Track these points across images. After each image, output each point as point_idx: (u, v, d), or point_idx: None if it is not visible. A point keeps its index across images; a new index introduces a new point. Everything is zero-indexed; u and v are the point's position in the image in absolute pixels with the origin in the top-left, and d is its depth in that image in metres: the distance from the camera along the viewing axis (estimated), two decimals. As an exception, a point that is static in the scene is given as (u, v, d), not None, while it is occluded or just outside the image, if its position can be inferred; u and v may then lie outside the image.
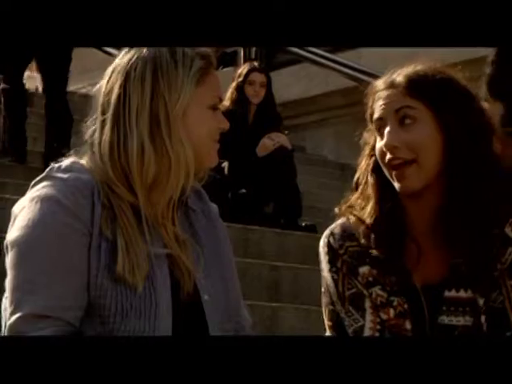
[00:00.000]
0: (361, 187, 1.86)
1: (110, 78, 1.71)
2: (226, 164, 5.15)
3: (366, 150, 1.85)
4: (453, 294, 1.79)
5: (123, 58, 1.71)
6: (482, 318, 1.78)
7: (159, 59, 1.69)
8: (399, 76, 1.78)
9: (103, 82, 1.72)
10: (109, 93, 1.70)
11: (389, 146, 1.75)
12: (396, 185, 1.76)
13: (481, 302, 1.78)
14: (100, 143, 1.69)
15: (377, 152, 1.79)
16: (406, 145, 1.74)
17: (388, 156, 1.75)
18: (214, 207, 1.89)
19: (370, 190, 1.83)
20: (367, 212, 1.84)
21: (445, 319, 1.78)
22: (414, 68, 1.80)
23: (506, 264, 1.77)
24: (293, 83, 8.10)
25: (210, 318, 1.72)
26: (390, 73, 1.81)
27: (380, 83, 1.81)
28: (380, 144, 1.78)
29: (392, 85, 1.78)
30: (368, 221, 1.83)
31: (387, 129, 1.76)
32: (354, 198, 1.87)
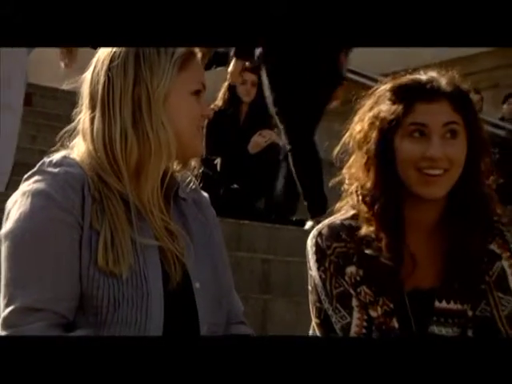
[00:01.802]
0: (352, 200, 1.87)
1: (95, 67, 1.71)
2: (218, 160, 5.19)
3: (364, 148, 1.83)
4: (444, 305, 1.82)
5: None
6: (469, 329, 1.82)
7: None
8: (443, 85, 1.79)
9: (89, 72, 1.72)
10: (95, 82, 1.70)
11: (435, 157, 1.75)
12: (422, 190, 1.77)
13: (470, 313, 1.82)
14: (90, 132, 1.69)
15: (408, 155, 1.77)
16: (447, 157, 1.76)
17: (426, 164, 1.76)
18: (205, 196, 1.88)
19: (376, 188, 1.82)
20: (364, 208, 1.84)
21: (435, 329, 1.81)
22: (453, 78, 1.81)
23: (493, 277, 1.82)
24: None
25: (201, 305, 1.71)
26: (397, 76, 1.84)
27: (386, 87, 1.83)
28: (419, 149, 1.77)
29: (438, 93, 1.78)
30: (362, 215, 1.83)
31: (434, 140, 1.76)
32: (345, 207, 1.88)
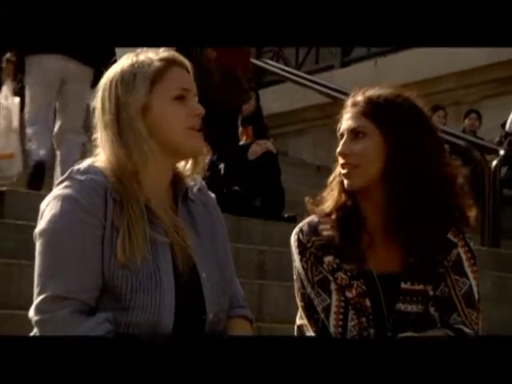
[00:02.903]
0: (330, 186, 1.88)
1: (98, 92, 1.71)
2: (222, 165, 5.17)
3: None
4: (408, 286, 1.83)
5: (105, 75, 1.71)
6: (431, 307, 1.82)
7: (121, 71, 1.68)
8: (359, 97, 1.83)
9: (97, 98, 1.72)
10: (97, 105, 1.70)
11: (341, 153, 1.81)
12: (345, 183, 1.82)
13: (431, 292, 1.83)
14: (103, 146, 1.69)
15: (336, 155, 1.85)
16: (353, 153, 1.80)
17: (341, 161, 1.81)
18: (212, 197, 1.85)
19: (337, 189, 1.86)
20: (331, 206, 1.86)
21: (401, 306, 1.82)
22: (373, 91, 1.84)
23: (450, 262, 1.83)
24: (277, 99, 8.10)
25: (207, 293, 1.69)
26: (354, 93, 1.86)
27: (349, 102, 1.86)
28: (337, 151, 1.83)
29: (354, 104, 1.84)
30: (333, 213, 1.84)
31: (343, 140, 1.82)
32: (325, 194, 1.89)
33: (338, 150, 1.81)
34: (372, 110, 1.80)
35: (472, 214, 1.87)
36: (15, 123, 4.23)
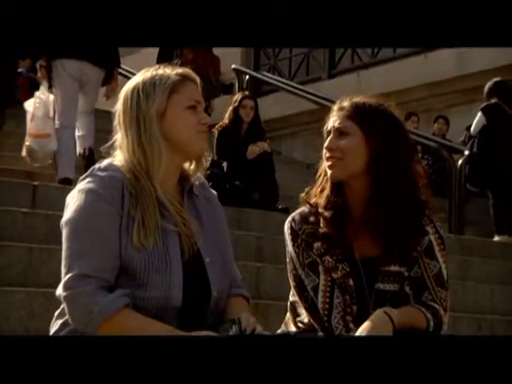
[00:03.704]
0: (319, 181, 1.88)
1: (119, 100, 1.72)
2: (225, 164, 5.15)
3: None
4: (386, 268, 1.82)
5: (126, 85, 1.72)
6: (406, 286, 1.82)
7: (143, 82, 1.69)
8: (346, 103, 1.84)
9: (118, 103, 1.72)
10: (119, 111, 1.71)
11: (328, 148, 1.81)
12: (328, 173, 1.82)
13: (406, 274, 1.82)
14: (122, 147, 1.70)
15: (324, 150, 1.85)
16: (338, 148, 1.80)
17: (327, 154, 1.81)
18: (214, 193, 1.86)
19: (325, 184, 1.85)
20: (320, 199, 1.85)
21: (380, 286, 1.82)
22: (358, 99, 1.85)
23: (422, 247, 1.83)
24: (273, 106, 8.08)
25: (211, 274, 1.70)
26: (341, 99, 1.86)
27: (335, 106, 1.86)
28: (324, 146, 1.84)
29: (340, 108, 1.84)
30: (321, 204, 1.84)
31: (329, 137, 1.82)
32: (314, 188, 1.88)
33: (325, 144, 1.81)
34: (357, 114, 1.81)
35: (435, 205, 1.88)
36: (51, 113, 4.65)
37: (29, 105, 4.68)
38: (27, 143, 4.60)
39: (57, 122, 4.59)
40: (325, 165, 1.83)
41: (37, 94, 4.72)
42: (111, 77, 4.86)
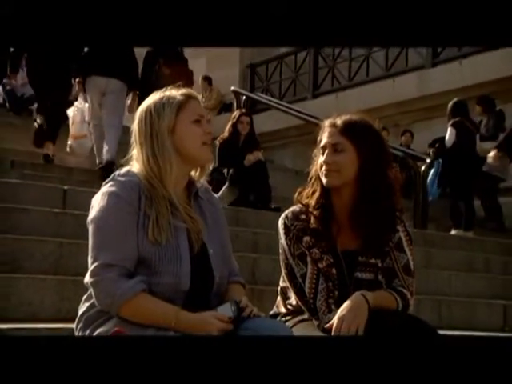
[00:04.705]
0: (310, 184, 1.87)
1: (135, 119, 1.71)
2: (225, 170, 5.14)
3: (315, 161, 1.86)
4: (364, 259, 1.82)
5: (140, 107, 1.72)
6: (379, 275, 1.82)
7: (154, 103, 1.69)
8: (338, 120, 1.82)
9: (134, 122, 1.72)
10: (135, 129, 1.70)
11: (326, 162, 1.80)
12: (324, 181, 1.80)
13: (380, 264, 1.82)
14: (138, 159, 1.69)
15: (318, 164, 1.83)
16: (334, 163, 1.79)
17: (325, 167, 1.80)
18: (216, 196, 1.86)
19: (316, 187, 1.85)
20: (310, 200, 1.85)
21: (358, 275, 1.82)
22: (347, 117, 1.83)
23: (393, 243, 1.83)
24: (266, 121, 8.08)
25: (214, 263, 1.69)
26: (334, 117, 1.84)
27: (326, 123, 1.85)
28: (320, 160, 1.82)
29: (333, 125, 1.82)
30: (312, 205, 1.83)
31: (326, 152, 1.80)
32: (306, 190, 1.87)
33: (324, 159, 1.79)
34: (349, 131, 1.80)
35: (404, 206, 1.88)
36: (87, 118, 5.15)
37: (70, 112, 5.20)
38: (69, 142, 5.16)
39: (90, 122, 5.10)
40: (318, 172, 1.82)
41: (75, 103, 5.21)
42: (132, 93, 5.18)
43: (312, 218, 1.82)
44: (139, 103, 5.18)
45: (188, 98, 1.70)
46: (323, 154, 1.81)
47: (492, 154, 5.48)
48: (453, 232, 5.57)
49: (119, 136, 4.83)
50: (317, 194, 1.83)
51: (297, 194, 1.87)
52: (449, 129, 5.72)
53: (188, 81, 5.17)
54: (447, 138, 5.76)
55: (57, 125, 5.17)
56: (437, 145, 6.18)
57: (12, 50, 5.10)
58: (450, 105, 5.82)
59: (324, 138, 1.82)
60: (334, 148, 1.79)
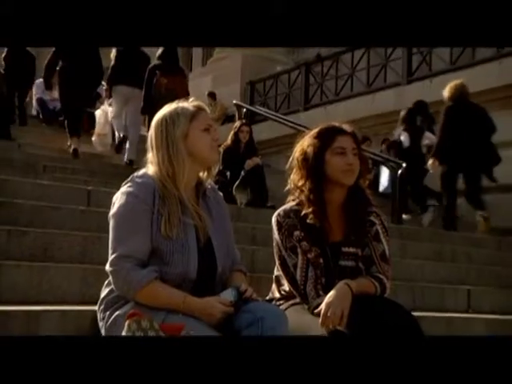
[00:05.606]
0: (305, 177, 1.85)
1: (152, 127, 1.70)
2: (228, 173, 5.13)
3: (326, 162, 1.80)
4: (346, 249, 1.82)
5: (156, 117, 1.70)
6: (360, 263, 1.82)
7: (169, 112, 1.68)
8: (348, 128, 1.83)
9: (151, 130, 1.71)
10: (152, 135, 1.70)
11: (351, 163, 1.79)
12: (346, 180, 1.79)
13: (360, 253, 1.82)
14: (153, 162, 1.68)
15: (337, 163, 1.79)
16: (356, 164, 1.80)
17: (347, 167, 1.78)
18: (221, 195, 1.85)
19: (311, 183, 1.83)
20: (301, 199, 1.84)
21: (342, 263, 1.82)
22: (346, 125, 1.83)
23: (372, 234, 1.84)
24: (264, 131, 8.08)
25: (218, 255, 1.69)
26: (350, 125, 1.84)
27: (348, 129, 1.82)
28: (343, 160, 1.79)
29: (353, 133, 1.83)
30: (300, 204, 1.83)
31: (350, 156, 1.80)
32: (298, 191, 1.86)
33: (349, 161, 1.79)
34: (356, 138, 1.83)
35: (377, 202, 1.89)
36: (110, 119, 5.82)
37: (97, 113, 5.93)
38: (93, 139, 5.91)
39: (113, 118, 5.72)
40: (332, 171, 1.78)
41: (102, 107, 5.91)
42: None
43: (302, 215, 1.81)
44: (143, 107, 5.26)
45: (198, 109, 1.71)
46: (340, 154, 1.79)
47: (430, 162, 5.43)
48: (404, 216, 5.58)
49: (139, 132, 5.40)
50: (307, 194, 1.82)
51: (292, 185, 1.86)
52: (403, 132, 5.93)
53: (182, 88, 5.30)
54: (403, 139, 5.94)
55: (79, 123, 5.53)
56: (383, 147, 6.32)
57: (45, 71, 5.40)
58: (402, 113, 6.05)
59: (344, 143, 1.81)
60: (353, 152, 1.81)
